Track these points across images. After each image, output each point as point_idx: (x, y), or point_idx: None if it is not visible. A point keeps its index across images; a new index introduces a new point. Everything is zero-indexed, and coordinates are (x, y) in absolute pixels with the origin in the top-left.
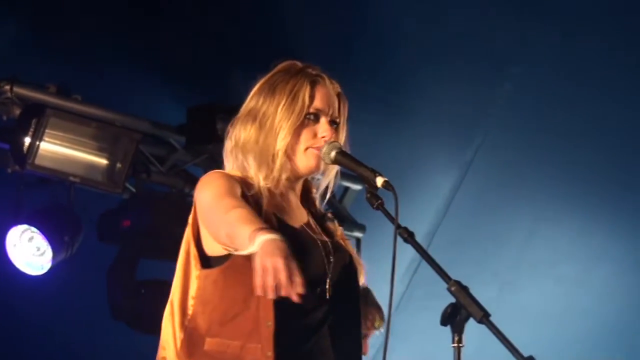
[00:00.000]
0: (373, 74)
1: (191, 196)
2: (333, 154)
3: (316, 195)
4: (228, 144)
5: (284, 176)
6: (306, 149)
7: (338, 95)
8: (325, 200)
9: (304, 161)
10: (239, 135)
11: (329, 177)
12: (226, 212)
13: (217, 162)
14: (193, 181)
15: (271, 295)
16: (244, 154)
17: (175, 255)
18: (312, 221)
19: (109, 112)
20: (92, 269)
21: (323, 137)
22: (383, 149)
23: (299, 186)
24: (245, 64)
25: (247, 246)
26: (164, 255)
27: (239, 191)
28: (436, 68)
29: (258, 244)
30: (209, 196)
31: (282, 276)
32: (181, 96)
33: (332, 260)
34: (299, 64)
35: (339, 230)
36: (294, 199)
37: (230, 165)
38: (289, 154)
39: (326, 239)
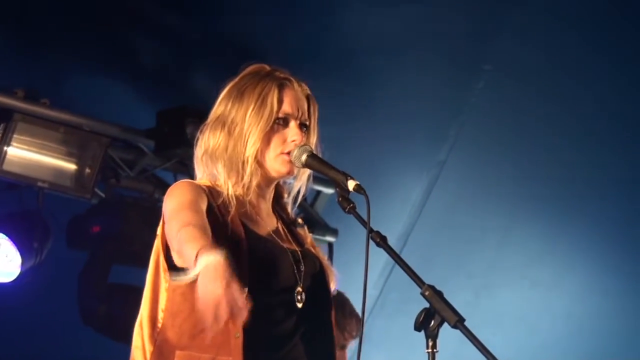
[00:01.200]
0: (339, 68)
1: (161, 201)
2: (304, 157)
3: (288, 200)
4: (198, 151)
5: (254, 182)
6: (277, 155)
7: (307, 97)
8: (297, 205)
9: (275, 167)
10: (208, 142)
11: (301, 181)
12: (179, 228)
13: (186, 167)
14: (163, 186)
15: (216, 327)
16: (214, 161)
17: (146, 262)
18: (282, 228)
19: (77, 117)
20: (62, 276)
21: (293, 141)
22: (353, 149)
23: (270, 192)
24: (213, 66)
25: (192, 267)
26: (135, 261)
27: (203, 203)
28: (405, 62)
29: (199, 267)
30: (169, 209)
31: (222, 309)
32: (150, 100)
33: (302, 268)
34: (267, 67)
35: (309, 237)
36: (265, 206)
37: (201, 173)
38: (260, 160)
39: (295, 247)
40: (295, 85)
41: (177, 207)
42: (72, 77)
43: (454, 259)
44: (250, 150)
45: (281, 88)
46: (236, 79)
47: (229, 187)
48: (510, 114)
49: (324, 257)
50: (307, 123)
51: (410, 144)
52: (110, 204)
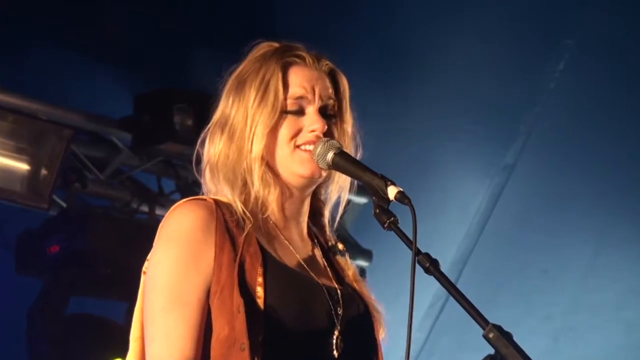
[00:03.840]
0: (378, 52)
1: (140, 212)
2: (330, 155)
3: (325, 218)
4: (204, 167)
5: (271, 194)
6: (292, 150)
7: (331, 73)
8: (336, 223)
9: (292, 167)
10: (209, 152)
11: (339, 185)
12: (160, 312)
13: (174, 168)
14: (142, 192)
15: None
16: (215, 175)
17: (119, 290)
18: (320, 257)
19: (32, 102)
20: (5, 310)
21: (312, 131)
22: (397, 149)
23: (301, 207)
24: (209, 38)
25: None
26: (103, 291)
27: (209, 242)
28: (465, 40)
29: None
30: (160, 267)
31: None
32: (126, 81)
33: (340, 311)
34: (274, 44)
35: (351, 268)
36: (296, 227)
37: (207, 188)
38: (270, 162)
39: (334, 284)
40: (310, 60)
41: (166, 279)
42: (26, 54)
43: (526, 292)
44: (255, 150)
45: (286, 67)
46: (240, 66)
47: (238, 206)
48: (600, 105)
49: (370, 295)
50: (331, 107)
51: (469, 143)
52: (73, 216)
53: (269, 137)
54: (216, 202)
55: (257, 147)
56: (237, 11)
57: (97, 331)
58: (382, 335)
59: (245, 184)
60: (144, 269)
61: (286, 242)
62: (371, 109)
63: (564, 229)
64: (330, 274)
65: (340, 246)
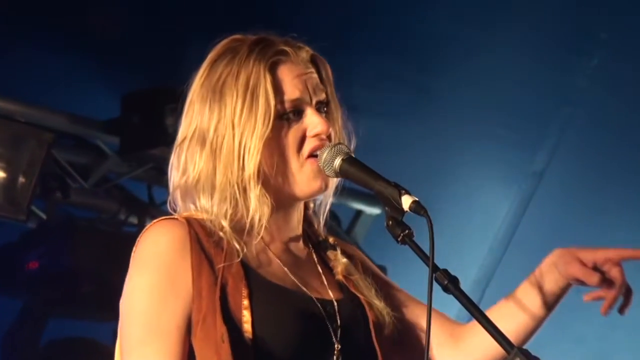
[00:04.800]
0: (393, 40)
1: (129, 225)
2: (337, 162)
3: (310, 210)
4: (174, 179)
5: (265, 217)
6: (303, 162)
7: (312, 60)
8: (325, 215)
9: (302, 181)
10: (187, 167)
11: (327, 196)
12: (137, 345)
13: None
14: (131, 202)
15: None
16: (196, 193)
17: (105, 311)
18: (312, 263)
19: (8, 102)
20: None
21: (316, 134)
22: (413, 153)
23: (297, 214)
24: (208, 36)
25: None
26: (86, 311)
27: (184, 267)
28: (488, 32)
29: None
30: (134, 295)
31: None
32: (113, 79)
33: (337, 324)
34: (244, 39)
35: (340, 263)
36: (287, 236)
37: (179, 208)
38: (269, 179)
39: (329, 294)
40: (292, 53)
41: (142, 309)
42: (1, 50)
43: (557, 312)
44: (250, 167)
45: (274, 68)
46: (205, 67)
47: (222, 226)
48: (637, 105)
49: (365, 287)
50: (325, 100)
51: (493, 148)
52: (53, 228)
53: (265, 150)
54: (188, 220)
55: (252, 163)
56: (234, 0)
57: (85, 356)
58: (386, 320)
59: (235, 205)
60: (121, 300)
61: (273, 255)
62: (382, 106)
63: (599, 242)
64: (326, 283)
65: (331, 239)
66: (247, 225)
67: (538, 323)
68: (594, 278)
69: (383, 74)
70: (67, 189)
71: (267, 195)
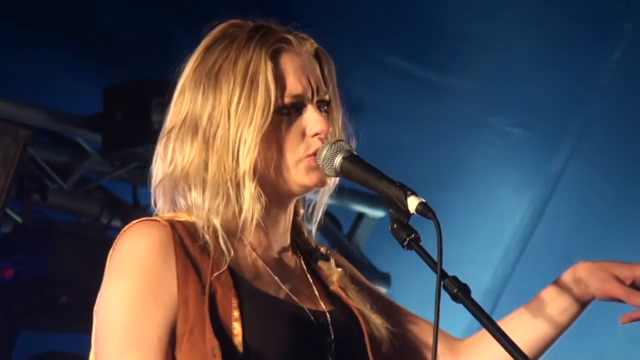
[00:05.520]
0: (397, 20)
1: (112, 229)
2: (338, 160)
3: (300, 217)
4: (158, 170)
5: (257, 213)
6: (298, 160)
7: (316, 54)
8: (314, 234)
9: (298, 179)
10: (174, 157)
11: (321, 195)
12: (115, 358)
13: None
14: (114, 205)
15: None
16: (182, 187)
17: (85, 323)
18: (302, 272)
19: None
20: None
21: (316, 133)
22: (418, 154)
23: (287, 216)
24: (198, 23)
25: None
26: (65, 323)
27: (168, 274)
28: (507, 30)
29: None
30: (112, 304)
31: None
32: (95, 71)
33: (330, 338)
34: (242, 24)
35: (335, 273)
36: (276, 242)
37: (162, 203)
38: (264, 176)
39: (321, 306)
40: (297, 43)
41: (120, 318)
42: None
43: (575, 325)
44: (245, 163)
45: (276, 55)
46: (199, 53)
47: (213, 225)
48: None
49: (360, 301)
50: (327, 98)
51: (508, 147)
52: (31, 233)
53: (261, 144)
54: (171, 223)
55: (248, 159)
56: None
57: None
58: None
59: (227, 200)
60: (95, 307)
61: (262, 263)
62: (388, 104)
63: (620, 249)
64: (317, 293)
65: (323, 249)
66: (239, 227)
67: (554, 338)
68: (637, 299)
69: (388, 70)
70: (44, 190)
71: (262, 194)
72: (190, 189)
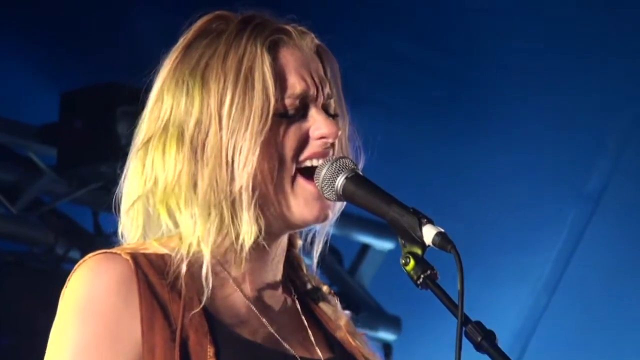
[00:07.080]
0: (419, 27)
1: (69, 261)
2: (340, 181)
3: (297, 249)
4: (131, 189)
5: (251, 239)
6: (294, 174)
7: (318, 52)
8: (315, 270)
9: (292, 206)
10: (154, 171)
11: (324, 227)
12: None
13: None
14: (71, 232)
15: None
16: (169, 206)
17: None
18: (296, 312)
19: None
20: None
21: (321, 136)
22: (436, 174)
23: (279, 249)
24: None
25: None
26: None
27: (134, 312)
28: (541, 33)
29: None
30: (62, 353)
31: None
32: (50, 74)
33: None
34: (230, 16)
35: (342, 317)
36: (264, 276)
37: (130, 225)
38: (264, 193)
39: (317, 354)
40: (297, 36)
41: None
42: None
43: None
44: (242, 176)
45: (274, 48)
46: (180, 49)
47: (199, 254)
48: None
49: (374, 355)
50: (332, 102)
51: (541, 164)
52: None
53: (260, 155)
54: (134, 256)
55: (246, 171)
56: None
57: None
58: None
59: (219, 222)
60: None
61: (247, 302)
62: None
63: None
64: (312, 338)
65: (325, 288)
66: (228, 257)
67: None
68: None
69: (395, 58)
70: None
71: (261, 215)
72: (175, 211)
